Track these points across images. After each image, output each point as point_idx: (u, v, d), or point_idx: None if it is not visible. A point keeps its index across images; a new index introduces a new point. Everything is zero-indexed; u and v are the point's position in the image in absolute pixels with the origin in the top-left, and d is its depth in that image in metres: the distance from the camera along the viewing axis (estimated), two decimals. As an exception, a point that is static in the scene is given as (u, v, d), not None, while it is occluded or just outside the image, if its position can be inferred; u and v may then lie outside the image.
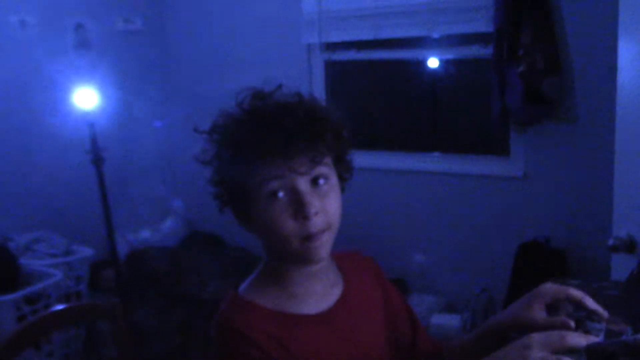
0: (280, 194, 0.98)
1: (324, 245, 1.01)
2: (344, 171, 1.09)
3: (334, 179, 1.04)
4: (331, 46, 3.71)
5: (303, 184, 0.98)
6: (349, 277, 1.15)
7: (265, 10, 3.80)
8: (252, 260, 3.62)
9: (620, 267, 1.80)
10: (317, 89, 3.66)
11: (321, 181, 1.01)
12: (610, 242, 1.81)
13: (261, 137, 0.96)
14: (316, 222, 0.98)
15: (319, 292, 1.09)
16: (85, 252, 3.20)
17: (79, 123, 2.95)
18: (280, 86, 1.05)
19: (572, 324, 0.92)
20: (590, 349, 0.69)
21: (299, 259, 1.02)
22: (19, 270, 2.90)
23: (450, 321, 3.19)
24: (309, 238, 0.99)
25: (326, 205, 1.00)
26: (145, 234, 3.81)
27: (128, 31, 3.94)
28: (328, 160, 1.02)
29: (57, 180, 3.55)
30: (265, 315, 1.03)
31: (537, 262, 3.01)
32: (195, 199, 4.11)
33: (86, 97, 2.90)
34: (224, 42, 3.98)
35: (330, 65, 3.76)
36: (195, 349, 3.12)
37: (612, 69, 1.85)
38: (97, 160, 2.95)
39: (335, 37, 3.61)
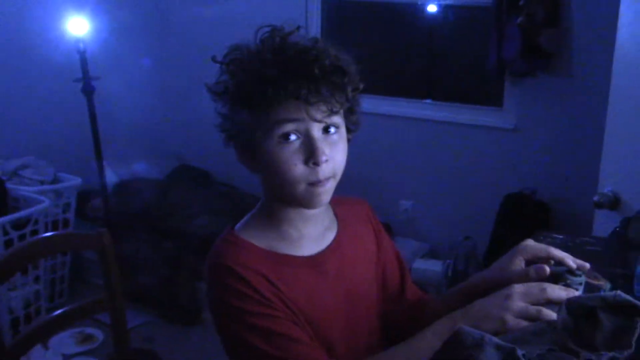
0: (293, 138, 0.99)
1: (327, 192, 1.03)
2: (352, 123, 1.09)
3: (343, 129, 1.05)
4: (329, -15, 3.64)
5: (317, 130, 1.00)
6: (344, 222, 1.16)
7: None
8: (239, 197, 3.66)
9: (603, 223, 1.83)
10: (313, 29, 3.61)
11: (332, 130, 1.02)
12: (595, 198, 1.84)
13: (287, 78, 0.96)
14: (324, 169, 1.00)
15: (312, 235, 1.10)
16: (74, 180, 3.20)
17: (70, 50, 2.89)
18: (298, 28, 1.04)
19: (547, 269, 0.95)
20: (570, 303, 0.72)
21: (301, 203, 1.04)
22: (7, 195, 2.89)
23: (432, 266, 3.26)
24: (315, 184, 1.00)
25: (334, 154, 1.01)
26: (133, 166, 3.80)
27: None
28: (341, 111, 1.03)
29: (47, 108, 3.51)
30: (258, 254, 1.05)
31: (521, 213, 3.06)
32: (184, 133, 4.11)
33: (77, 24, 2.83)
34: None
35: (327, 5, 3.69)
36: (182, 282, 3.17)
37: (611, 26, 1.84)
38: (88, 88, 2.91)
39: (334, -25, 3.53)
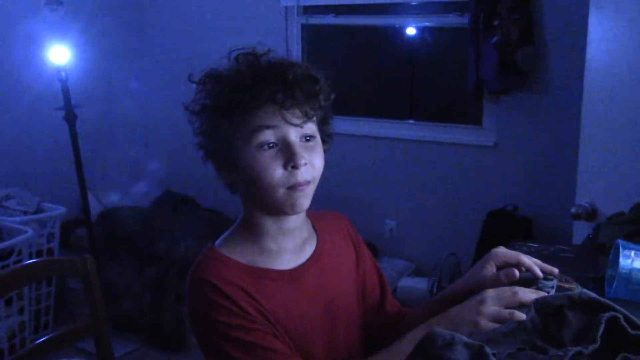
0: (272, 144, 1.02)
1: (307, 196, 1.05)
2: (326, 134, 1.12)
3: (319, 138, 1.09)
4: (309, 10, 3.70)
5: (294, 136, 1.03)
6: (323, 236, 1.18)
7: (243, -28, 3.77)
8: (224, 222, 3.66)
9: (582, 233, 1.86)
10: (294, 52, 3.65)
11: (309, 137, 1.05)
12: (573, 210, 1.88)
13: (262, 85, 1.00)
14: (303, 173, 1.03)
15: (291, 248, 1.12)
16: (57, 210, 3.19)
17: (52, 79, 2.91)
18: (269, 50, 1.08)
19: (516, 273, 0.98)
20: (537, 303, 0.74)
21: (281, 208, 1.05)
22: (-10, 226, 2.88)
23: (418, 284, 3.27)
24: (294, 187, 1.03)
25: (312, 159, 1.04)
26: (118, 194, 3.80)
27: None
28: (315, 119, 1.07)
29: (30, 138, 3.52)
30: (238, 268, 1.06)
31: (505, 229, 3.09)
32: (169, 160, 4.12)
33: (59, 53, 2.85)
34: (200, 3, 3.94)
35: (307, 29, 3.75)
36: (166, 307, 3.15)
37: (582, 43, 1.89)
38: (70, 117, 2.92)
39: (313, 0, 3.59)
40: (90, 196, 3.11)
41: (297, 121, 1.02)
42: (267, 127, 1.01)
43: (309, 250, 1.14)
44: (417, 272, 3.51)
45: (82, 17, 3.61)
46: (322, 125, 1.10)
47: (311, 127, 1.05)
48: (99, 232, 3.35)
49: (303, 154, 1.02)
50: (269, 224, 1.09)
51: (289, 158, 1.01)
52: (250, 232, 1.10)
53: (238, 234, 1.12)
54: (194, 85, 1.08)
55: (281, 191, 1.02)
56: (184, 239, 3.42)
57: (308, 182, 1.04)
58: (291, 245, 1.12)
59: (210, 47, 1.07)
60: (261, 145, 1.01)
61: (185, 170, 3.72)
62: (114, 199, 3.73)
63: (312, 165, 1.04)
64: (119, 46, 3.99)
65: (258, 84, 1.00)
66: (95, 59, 3.62)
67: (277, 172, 1.01)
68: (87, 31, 3.55)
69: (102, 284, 1.61)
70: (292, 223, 1.10)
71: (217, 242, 1.12)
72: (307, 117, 1.03)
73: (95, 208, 3.54)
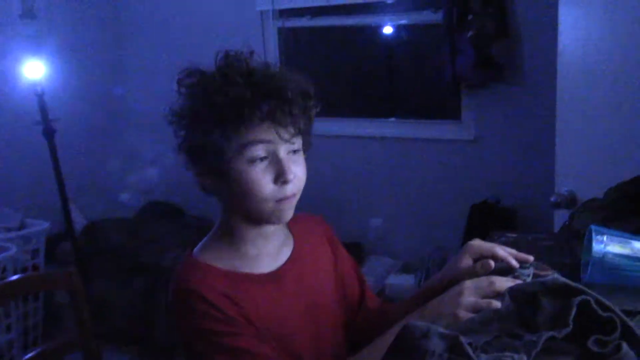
0: (263, 158, 1.03)
1: (292, 207, 1.08)
2: (307, 144, 1.13)
3: (301, 149, 1.10)
4: (284, 13, 3.70)
5: (283, 151, 1.04)
6: (299, 237, 1.20)
7: (217, -23, 3.77)
8: (211, 228, 3.65)
9: (562, 221, 1.88)
10: (271, 56, 3.66)
11: (295, 150, 1.07)
12: (553, 198, 1.89)
13: (261, 100, 1.00)
14: (292, 187, 1.05)
15: (270, 252, 1.13)
16: (41, 225, 3.17)
17: (28, 94, 2.89)
18: (252, 53, 1.08)
19: (492, 263, 1.00)
20: (512, 290, 0.75)
21: (267, 220, 1.07)
22: (-27, 245, 2.86)
23: (405, 281, 3.28)
24: (282, 200, 1.05)
25: (298, 172, 1.06)
26: (102, 205, 3.78)
27: (77, -1, 3.86)
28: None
29: (9, 155, 3.49)
30: (219, 275, 1.07)
31: (489, 221, 3.11)
32: (153, 169, 4.10)
33: (34, 68, 2.84)
34: (177, 10, 3.93)
35: (283, 32, 3.76)
36: (156, 317, 3.14)
37: (554, 33, 1.91)
38: (48, 131, 2.90)
39: (288, 3, 3.60)
40: (73, 209, 3.10)
41: (289, 137, 1.03)
42: (261, 142, 1.02)
43: (286, 252, 1.16)
44: (405, 269, 3.52)
45: (57, 30, 3.60)
46: (306, 136, 1.11)
47: (299, 141, 1.07)
48: (84, 245, 3.33)
49: (292, 168, 1.04)
50: (249, 229, 1.10)
51: (280, 173, 1.03)
52: (229, 237, 1.11)
53: (216, 240, 1.13)
54: (174, 92, 1.07)
55: (270, 204, 1.04)
56: (171, 247, 3.41)
57: (294, 194, 1.06)
58: (270, 248, 1.13)
59: (189, 54, 1.07)
60: (253, 159, 1.02)
61: (169, 178, 3.71)
62: (98, 210, 3.71)
63: (298, 178, 1.06)
64: (96, 58, 3.97)
65: (256, 98, 1.00)
66: (72, 72, 3.60)
67: (268, 186, 1.03)
68: (63, 44, 3.54)
69: (91, 297, 1.60)
70: (271, 228, 1.12)
71: (196, 250, 1.13)
72: (299, 133, 1.05)
73: (79, 221, 3.52)
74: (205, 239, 1.15)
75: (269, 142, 1.02)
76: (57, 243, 3.42)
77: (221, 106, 1.00)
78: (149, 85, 3.93)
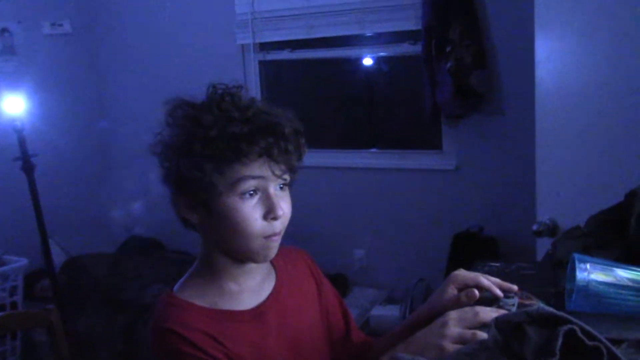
0: (253, 193, 1.02)
1: (278, 245, 1.07)
2: (292, 179, 1.12)
3: (288, 184, 1.10)
4: (265, 46, 3.74)
5: (273, 187, 1.04)
6: (282, 272, 1.18)
7: (198, 12, 3.80)
8: (193, 263, 3.62)
9: (545, 250, 1.89)
10: (252, 89, 3.68)
11: (283, 185, 1.07)
12: (535, 227, 1.90)
13: (259, 136, 0.99)
14: (279, 223, 1.05)
15: (252, 288, 1.12)
16: (19, 262, 3.12)
17: (7, 129, 2.87)
18: (240, 87, 1.07)
19: (476, 293, 0.99)
20: (498, 321, 0.75)
21: (252, 256, 1.06)
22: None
23: (390, 312, 3.26)
24: (270, 237, 1.04)
25: (285, 208, 1.06)
26: (82, 241, 3.73)
27: (56, 35, 3.86)
28: None
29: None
30: (200, 313, 1.05)
31: (471, 250, 3.12)
32: (133, 204, 4.07)
33: (13, 103, 2.82)
34: (157, 45, 3.95)
35: (264, 65, 3.79)
36: (139, 354, 3.09)
37: (531, 64, 1.94)
38: (27, 166, 2.87)
39: (269, 37, 3.64)
40: (53, 245, 3.05)
41: (280, 173, 1.03)
42: (254, 178, 1.01)
43: (268, 287, 1.14)
44: (389, 300, 3.50)
45: (37, 66, 3.59)
46: (294, 172, 1.10)
47: (288, 177, 1.07)
48: (64, 282, 3.27)
49: (281, 204, 1.04)
50: (231, 265, 1.09)
51: (270, 209, 1.02)
52: (210, 273, 1.09)
53: (197, 277, 1.11)
54: (156, 126, 1.06)
55: (258, 241, 1.04)
56: (152, 283, 3.37)
57: (281, 231, 1.06)
58: (251, 284, 1.12)
59: (171, 88, 1.07)
60: (243, 193, 1.02)
61: (150, 213, 3.68)
62: (78, 246, 3.66)
63: (286, 214, 1.06)
64: (77, 93, 3.97)
65: (254, 135, 0.99)
66: (52, 107, 3.60)
67: (257, 222, 1.02)
68: (44, 79, 3.54)
69: (71, 335, 1.57)
70: (254, 264, 1.10)
71: (176, 287, 1.10)
72: (290, 170, 1.05)
73: (58, 257, 3.46)
74: (185, 275, 1.13)
75: (261, 177, 1.02)
76: (37, 280, 3.36)
77: (217, 141, 0.99)
78: (130, 120, 3.94)
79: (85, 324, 3.23)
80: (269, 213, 1.02)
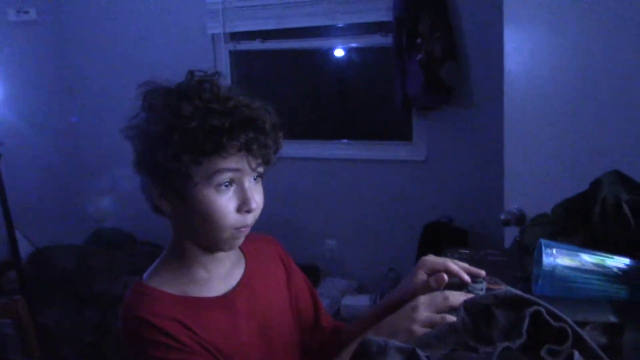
0: (229, 185, 1.02)
1: (245, 234, 1.08)
2: (265, 171, 1.12)
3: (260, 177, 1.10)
4: (236, 36, 3.72)
5: (248, 179, 1.04)
6: (251, 258, 1.19)
7: (168, 1, 3.75)
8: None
9: (513, 238, 1.93)
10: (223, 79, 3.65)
11: (257, 177, 1.07)
12: (502, 216, 1.94)
13: (240, 130, 0.99)
14: (252, 216, 1.05)
15: (222, 275, 1.12)
16: (-16, 253, 3.06)
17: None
18: (219, 74, 1.08)
19: (445, 277, 1.01)
20: (467, 304, 0.77)
21: (220, 246, 1.06)
22: None
23: (361, 301, 3.29)
24: (240, 228, 1.04)
25: (258, 200, 1.06)
26: (49, 232, 3.67)
27: (22, 22, 3.78)
28: None
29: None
30: (170, 301, 1.05)
31: (441, 240, 3.15)
32: (102, 195, 4.02)
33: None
34: (126, 34, 3.89)
35: (235, 56, 3.76)
36: (108, 346, 3.06)
37: (500, 56, 1.97)
38: (-7, 156, 2.82)
39: (240, 27, 3.62)
40: (19, 236, 3.00)
41: (255, 166, 1.03)
42: (231, 170, 1.01)
43: (238, 273, 1.15)
44: (360, 290, 3.53)
45: (1, 55, 3.52)
46: (269, 166, 1.10)
47: (263, 170, 1.07)
48: (31, 274, 3.22)
49: (255, 197, 1.04)
50: (201, 253, 1.09)
51: (244, 202, 1.03)
52: (180, 261, 1.09)
53: (167, 265, 1.11)
54: (122, 117, 1.04)
55: (229, 232, 1.04)
56: (122, 275, 3.33)
57: (251, 223, 1.06)
58: (221, 271, 1.12)
59: (140, 77, 1.05)
60: (219, 185, 1.01)
61: (119, 204, 3.65)
62: (45, 238, 3.61)
63: (259, 207, 1.06)
64: (43, 82, 3.90)
65: (235, 129, 0.99)
66: (18, 97, 3.53)
67: (231, 215, 1.03)
68: (8, 68, 3.46)
69: (39, 328, 1.55)
70: (223, 252, 1.11)
71: (145, 275, 1.10)
72: (266, 163, 1.05)
73: (25, 249, 3.41)
74: (155, 263, 1.12)
75: (237, 170, 1.02)
76: (3, 272, 3.30)
77: (197, 133, 0.98)
78: (99, 110, 3.88)
79: (54, 316, 3.18)
80: (243, 206, 1.03)
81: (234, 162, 1.01)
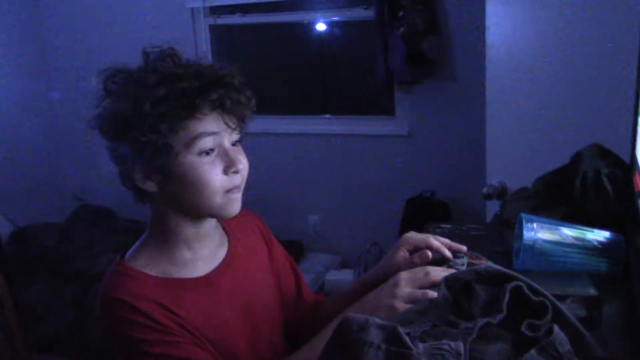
0: (210, 150, 1.01)
1: (240, 199, 1.06)
2: (242, 136, 1.11)
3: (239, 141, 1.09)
4: (216, 10, 3.66)
5: (228, 141, 1.03)
6: (235, 237, 1.17)
7: (146, -26, 3.68)
8: (144, 231, 3.57)
9: (494, 212, 1.94)
10: (202, 51, 3.61)
11: (236, 141, 1.06)
12: (484, 190, 1.94)
13: (210, 89, 0.98)
14: (240, 177, 1.04)
15: (205, 255, 1.11)
16: (-36, 233, 3.03)
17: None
18: (174, 48, 1.05)
19: (429, 254, 1.01)
20: (447, 280, 0.77)
21: (218, 211, 1.05)
22: None
23: (344, 276, 3.31)
24: (231, 190, 1.03)
25: (244, 162, 1.06)
26: (30, 210, 3.64)
27: (-3, -3, 3.70)
28: None
29: None
30: (151, 282, 1.03)
31: (424, 215, 3.17)
32: (82, 173, 3.98)
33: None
34: (103, 8, 3.82)
35: (215, 30, 3.71)
36: (89, 324, 3.05)
37: (482, 29, 1.96)
38: (-30, 134, 2.77)
39: (219, 0, 3.56)
40: (-1, 215, 2.97)
41: (233, 126, 1.02)
42: (209, 134, 1.00)
43: (221, 254, 1.14)
44: (344, 265, 3.55)
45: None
46: (244, 128, 1.09)
47: (240, 131, 1.06)
48: (12, 252, 3.20)
49: (239, 157, 1.03)
50: (187, 230, 1.07)
51: (230, 164, 1.02)
52: (164, 240, 1.07)
53: (149, 244, 1.09)
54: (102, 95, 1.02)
55: (219, 195, 1.02)
56: (104, 252, 3.31)
57: (241, 184, 1.06)
58: (205, 251, 1.11)
59: (118, 54, 1.03)
60: (200, 153, 1.00)
61: (100, 181, 3.61)
62: (25, 216, 3.57)
63: (245, 167, 1.05)
64: (20, 59, 3.82)
65: (206, 87, 0.98)
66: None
67: (218, 177, 1.01)
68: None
69: (21, 306, 1.54)
70: (207, 227, 1.09)
71: (127, 255, 1.08)
72: (242, 122, 1.04)
73: (5, 227, 3.37)
74: (136, 244, 1.10)
75: (216, 133, 1.01)
76: (-18, 251, 3.26)
77: (168, 99, 0.96)
78: (77, 86, 3.81)
79: (35, 294, 3.17)
80: (230, 167, 1.02)
81: (210, 124, 1.00)
